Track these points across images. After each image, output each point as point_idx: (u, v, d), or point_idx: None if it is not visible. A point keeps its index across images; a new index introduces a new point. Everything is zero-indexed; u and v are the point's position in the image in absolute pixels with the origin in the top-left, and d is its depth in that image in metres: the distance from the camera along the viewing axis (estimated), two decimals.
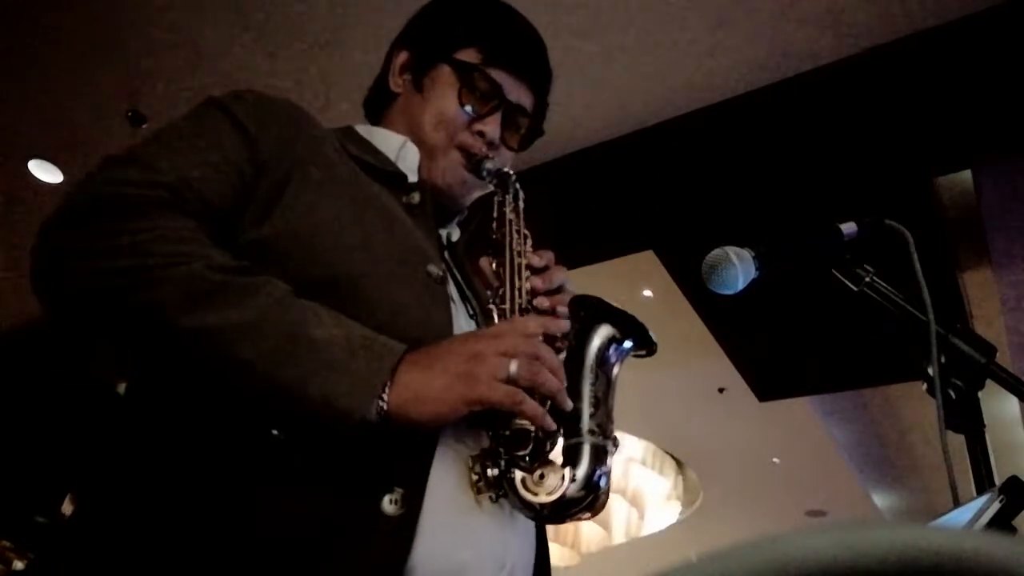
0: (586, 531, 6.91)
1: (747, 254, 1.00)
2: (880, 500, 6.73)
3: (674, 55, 2.70)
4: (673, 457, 6.56)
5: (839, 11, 2.45)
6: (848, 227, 1.01)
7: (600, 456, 0.78)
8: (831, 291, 1.01)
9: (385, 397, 0.70)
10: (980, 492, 0.79)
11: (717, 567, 0.24)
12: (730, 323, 3.95)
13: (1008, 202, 3.18)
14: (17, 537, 5.24)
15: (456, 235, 1.05)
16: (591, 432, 0.79)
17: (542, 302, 0.87)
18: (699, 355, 4.35)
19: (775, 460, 6.05)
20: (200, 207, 0.76)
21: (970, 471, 0.84)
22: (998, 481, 0.73)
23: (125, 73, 3.07)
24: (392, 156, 0.97)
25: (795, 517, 6.89)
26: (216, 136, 0.82)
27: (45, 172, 3.64)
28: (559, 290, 0.90)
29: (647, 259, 3.53)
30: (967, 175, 3.01)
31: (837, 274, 1.00)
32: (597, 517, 0.82)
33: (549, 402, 0.77)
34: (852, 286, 0.98)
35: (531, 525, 0.85)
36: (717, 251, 1.00)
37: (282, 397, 0.69)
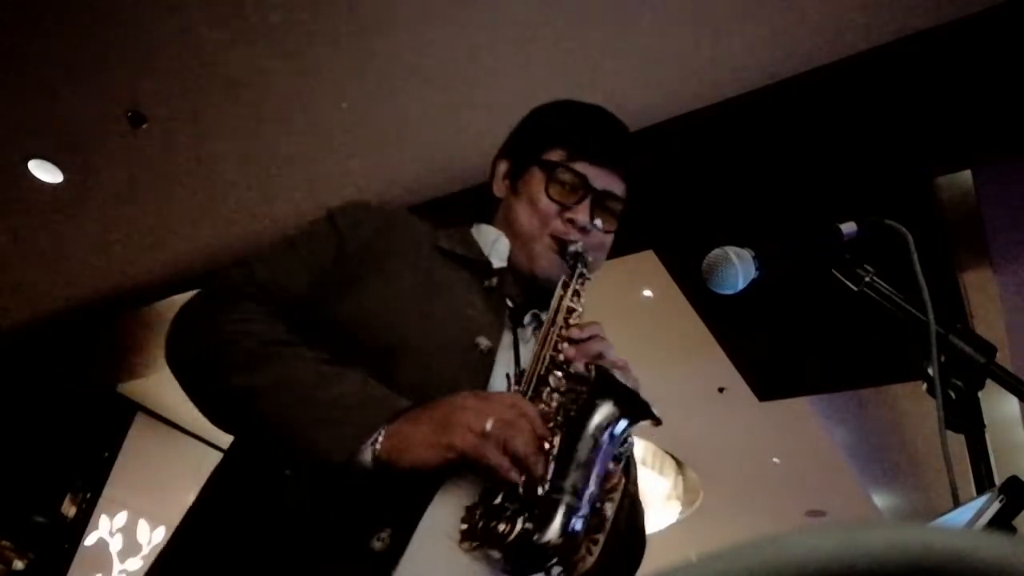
0: None
1: (747, 254, 1.00)
2: (880, 500, 6.73)
3: (673, 55, 2.71)
4: (673, 457, 6.56)
5: (839, 11, 2.45)
6: (848, 227, 1.01)
7: (570, 515, 0.81)
8: (831, 291, 1.01)
9: (378, 446, 0.82)
10: (980, 492, 0.79)
11: (717, 567, 0.24)
12: (730, 323, 3.95)
13: (1008, 202, 3.18)
14: (17, 537, 5.24)
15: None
16: (567, 492, 0.82)
17: (577, 365, 0.95)
18: (699, 355, 4.35)
19: (775, 460, 6.05)
20: (282, 297, 0.98)
21: (970, 471, 0.84)
22: (998, 481, 0.73)
23: (125, 73, 3.07)
24: (486, 249, 1.11)
25: (795, 517, 6.89)
26: (310, 243, 1.04)
27: (45, 172, 3.64)
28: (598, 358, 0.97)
29: (647, 259, 3.53)
30: (967, 175, 3.00)
31: (837, 274, 1.00)
32: None
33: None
34: (852, 286, 0.98)
35: None
36: (717, 251, 1.01)
37: (290, 444, 0.85)
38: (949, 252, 3.27)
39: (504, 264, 1.09)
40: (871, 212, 1.02)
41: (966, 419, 0.87)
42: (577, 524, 0.81)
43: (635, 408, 0.88)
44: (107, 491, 5.69)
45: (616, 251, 3.97)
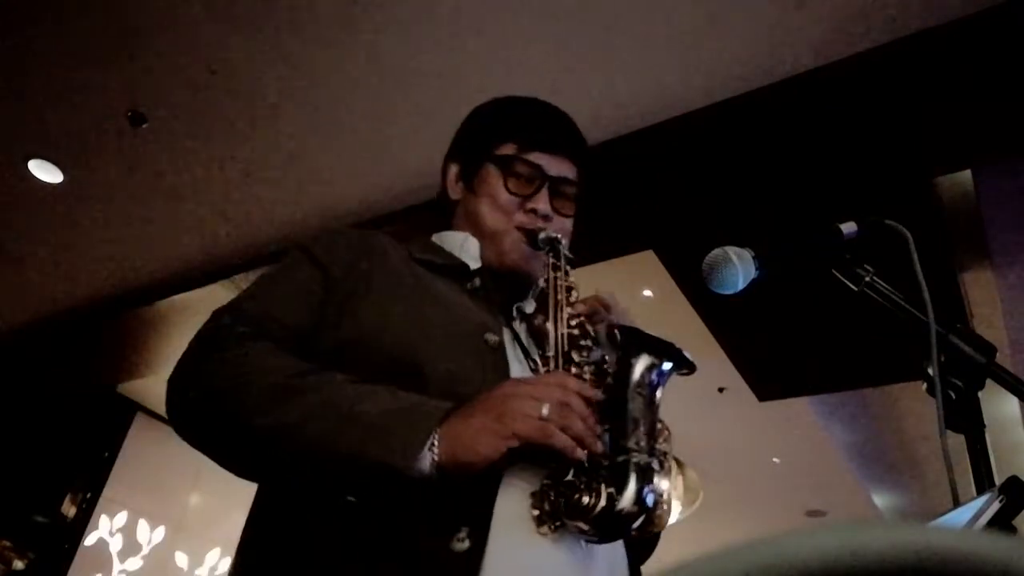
0: None
1: (747, 254, 1.01)
2: (880, 500, 6.72)
3: (673, 55, 2.70)
4: (673, 457, 6.56)
5: (839, 11, 2.45)
6: (848, 227, 1.01)
7: (645, 472, 0.82)
8: (831, 291, 1.01)
9: (436, 451, 0.80)
10: (980, 492, 0.79)
11: (716, 567, 0.24)
12: (730, 323, 3.95)
13: (1008, 202, 3.18)
14: (17, 537, 5.24)
15: (531, 307, 1.14)
16: (635, 451, 0.83)
17: (597, 332, 0.97)
18: (699, 355, 4.28)
19: (775, 460, 6.05)
20: (280, 331, 0.94)
21: (970, 471, 0.84)
22: (998, 481, 0.73)
23: (125, 73, 3.07)
24: (456, 252, 1.11)
25: (795, 517, 6.88)
26: (293, 273, 1.02)
27: (45, 172, 3.64)
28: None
29: (647, 259, 3.53)
30: (967, 175, 3.00)
31: (837, 274, 1.00)
32: None
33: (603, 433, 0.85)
34: (852, 286, 0.99)
35: (616, 552, 0.91)
36: (717, 251, 1.01)
37: (346, 468, 0.81)
38: (949, 252, 3.27)
39: (479, 264, 1.10)
40: (871, 212, 1.02)
41: (966, 419, 0.87)
42: (652, 480, 0.82)
43: (670, 355, 0.90)
44: (107, 491, 5.68)
45: (616, 251, 3.96)
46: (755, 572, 0.23)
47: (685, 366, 0.91)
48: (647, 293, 4.14)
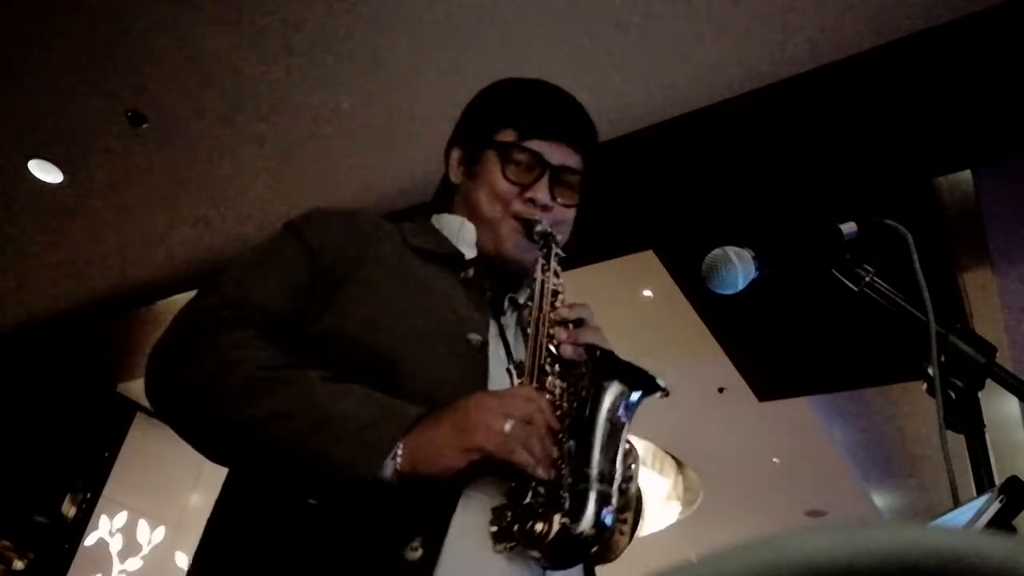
0: None
1: (747, 254, 1.00)
2: (880, 500, 6.73)
3: (673, 55, 2.70)
4: (673, 457, 6.56)
5: (839, 11, 2.45)
6: (848, 227, 1.01)
7: (604, 502, 0.81)
8: (831, 291, 1.01)
9: (399, 459, 0.81)
10: (980, 492, 0.79)
11: (716, 567, 0.24)
12: (730, 323, 3.95)
13: (1008, 202, 3.18)
14: (17, 537, 5.24)
15: (523, 297, 1.12)
16: (597, 479, 0.81)
17: (565, 349, 0.94)
18: (699, 355, 4.35)
19: (775, 460, 6.05)
20: (262, 317, 0.94)
21: (970, 471, 0.84)
22: (998, 481, 0.73)
23: (125, 73, 3.07)
24: (453, 238, 1.10)
25: (795, 517, 6.89)
26: (281, 256, 1.01)
27: (45, 172, 3.64)
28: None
29: (647, 259, 3.53)
30: (967, 175, 3.00)
31: (837, 274, 1.00)
32: None
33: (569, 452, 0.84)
34: (852, 286, 0.99)
35: (572, 573, 0.90)
36: (717, 251, 1.00)
37: (310, 468, 0.82)
38: (949, 252, 3.27)
39: (474, 252, 1.08)
40: (871, 212, 1.02)
41: (966, 419, 0.87)
42: (610, 511, 0.81)
43: (644, 383, 0.88)
44: (107, 491, 5.68)
45: (616, 251, 3.94)
46: (757, 573, 0.23)
47: (658, 392, 0.90)
48: (647, 293, 4.14)
